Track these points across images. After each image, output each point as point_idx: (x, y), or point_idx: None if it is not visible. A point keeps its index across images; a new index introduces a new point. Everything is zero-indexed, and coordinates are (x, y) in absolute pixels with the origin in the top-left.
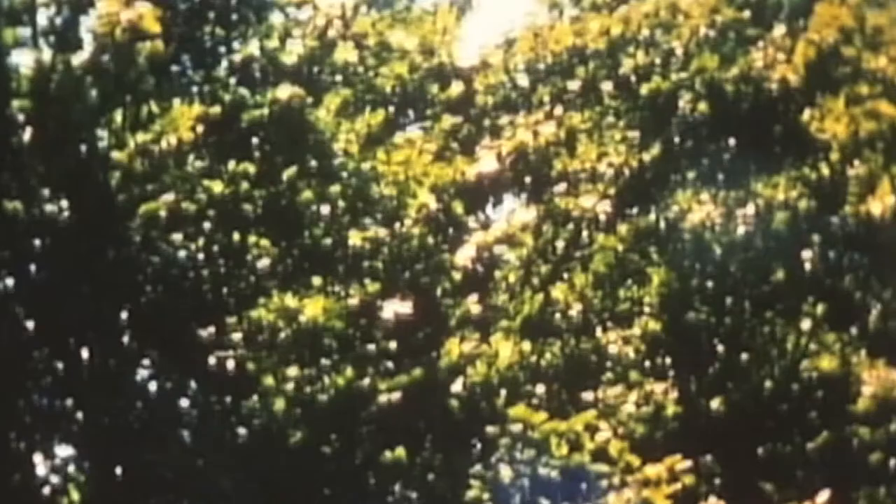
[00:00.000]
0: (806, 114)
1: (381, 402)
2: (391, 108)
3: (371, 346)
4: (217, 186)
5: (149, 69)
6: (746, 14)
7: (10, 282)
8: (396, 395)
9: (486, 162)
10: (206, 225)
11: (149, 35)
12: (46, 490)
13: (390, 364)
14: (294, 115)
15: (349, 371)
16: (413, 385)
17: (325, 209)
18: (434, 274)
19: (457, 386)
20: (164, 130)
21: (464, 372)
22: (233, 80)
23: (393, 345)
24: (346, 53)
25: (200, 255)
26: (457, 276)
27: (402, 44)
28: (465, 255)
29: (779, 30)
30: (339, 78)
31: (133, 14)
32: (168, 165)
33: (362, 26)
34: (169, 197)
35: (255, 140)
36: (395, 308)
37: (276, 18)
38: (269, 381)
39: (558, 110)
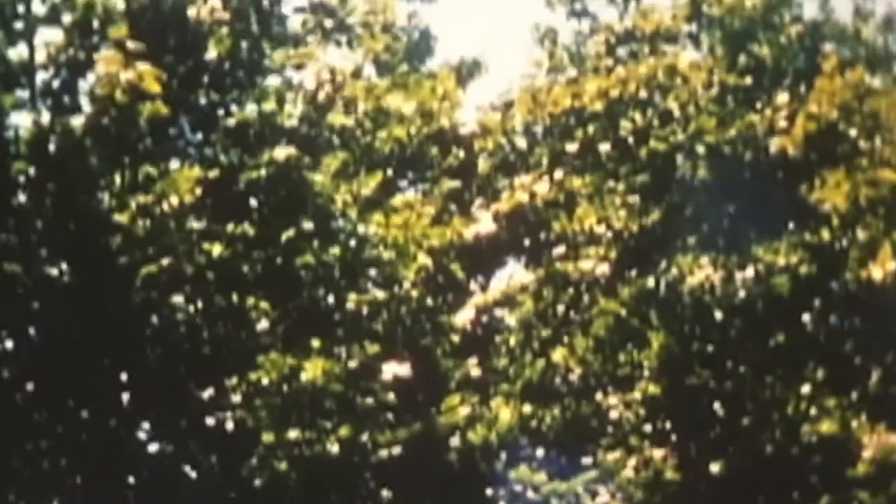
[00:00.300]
0: (806, 185)
1: (381, 456)
2: (390, 171)
3: (371, 400)
4: (216, 248)
5: (149, 131)
6: (747, 80)
7: (9, 343)
8: (397, 450)
9: (485, 223)
10: (206, 287)
11: (149, 95)
12: None
13: (390, 416)
14: (292, 177)
15: (348, 428)
16: (413, 439)
17: (324, 271)
18: (433, 335)
19: (456, 440)
20: (165, 192)
21: (464, 429)
22: (230, 143)
23: (392, 397)
24: (342, 117)
25: (199, 317)
26: (456, 337)
27: (400, 108)
28: (464, 317)
29: (780, 96)
30: (336, 140)
31: (133, 74)
32: (168, 227)
33: (359, 91)
34: (169, 259)
35: (253, 202)
36: (394, 370)
37: (272, 81)
38: (269, 440)
39: (557, 173)
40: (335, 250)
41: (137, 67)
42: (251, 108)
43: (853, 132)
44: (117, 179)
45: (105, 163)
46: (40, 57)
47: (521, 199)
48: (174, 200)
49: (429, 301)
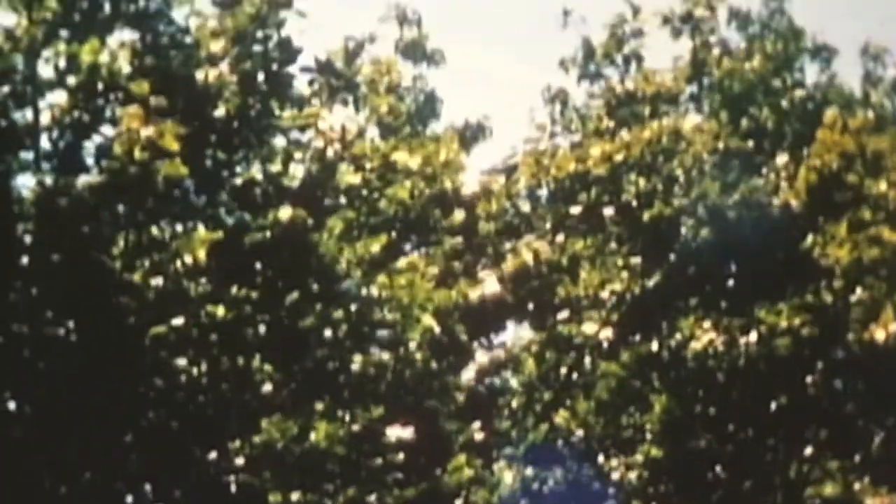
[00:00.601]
0: (809, 239)
1: None
2: (394, 233)
3: (378, 461)
4: (220, 310)
5: (166, 191)
6: (749, 143)
7: (14, 404)
8: None
9: (489, 285)
10: (211, 348)
11: (168, 153)
12: None
13: (397, 476)
14: (296, 239)
15: (354, 490)
16: (418, 500)
17: (329, 333)
18: (438, 397)
19: (460, 502)
20: (178, 253)
21: (468, 491)
22: (236, 204)
23: (399, 457)
24: (350, 175)
25: (204, 379)
26: (461, 397)
27: (406, 163)
28: (467, 378)
29: (781, 158)
30: (342, 199)
31: (154, 131)
32: (179, 288)
33: (367, 149)
34: (179, 321)
35: (258, 264)
36: (398, 433)
37: (279, 141)
38: (275, 502)
39: (560, 236)
40: (340, 312)
41: (157, 124)
42: (258, 169)
43: (855, 178)
44: (127, 239)
45: (115, 222)
46: (45, 119)
47: (525, 260)
48: (187, 260)
49: (433, 364)
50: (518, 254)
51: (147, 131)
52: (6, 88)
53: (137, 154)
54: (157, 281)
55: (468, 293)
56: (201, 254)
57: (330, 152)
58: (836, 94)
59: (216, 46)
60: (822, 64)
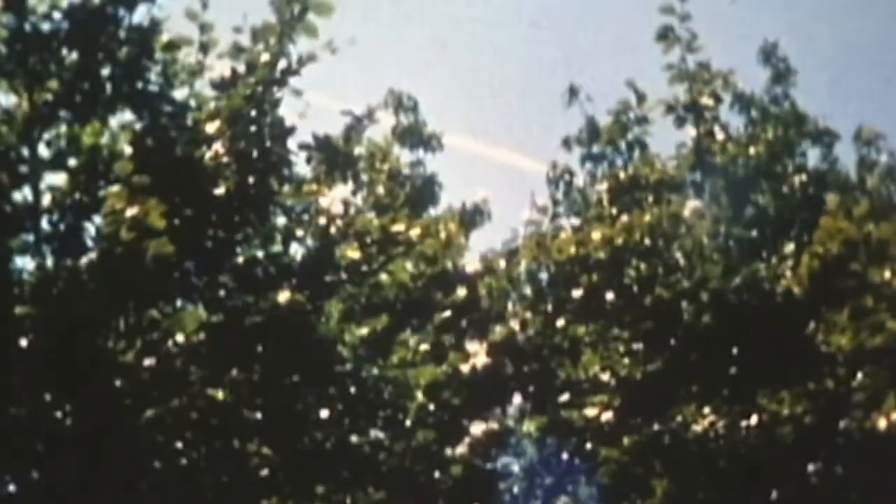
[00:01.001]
0: (811, 326)
1: None
2: (394, 314)
3: None
4: (219, 394)
5: (155, 271)
6: (751, 229)
7: (12, 487)
8: None
9: (480, 357)
10: (208, 432)
11: (155, 232)
12: None
13: None
14: (296, 321)
15: None
16: None
17: (328, 414)
18: (436, 473)
19: None
20: (170, 332)
21: None
22: (236, 285)
23: None
24: (349, 251)
25: (202, 462)
26: (457, 470)
27: (407, 236)
28: (462, 453)
29: (784, 244)
30: (343, 275)
31: (139, 210)
32: (174, 369)
33: (365, 223)
34: (176, 400)
35: (257, 346)
36: None
37: (278, 220)
38: None
39: (561, 320)
40: (339, 393)
41: (143, 203)
42: (258, 248)
43: (858, 266)
44: (122, 322)
45: (111, 304)
46: (45, 200)
47: (513, 329)
48: (180, 339)
49: (431, 436)
50: (506, 323)
51: (133, 210)
52: (6, 170)
53: (124, 234)
54: (153, 361)
55: (464, 368)
56: (197, 335)
57: (330, 228)
58: (836, 180)
59: (213, 127)
60: (824, 149)
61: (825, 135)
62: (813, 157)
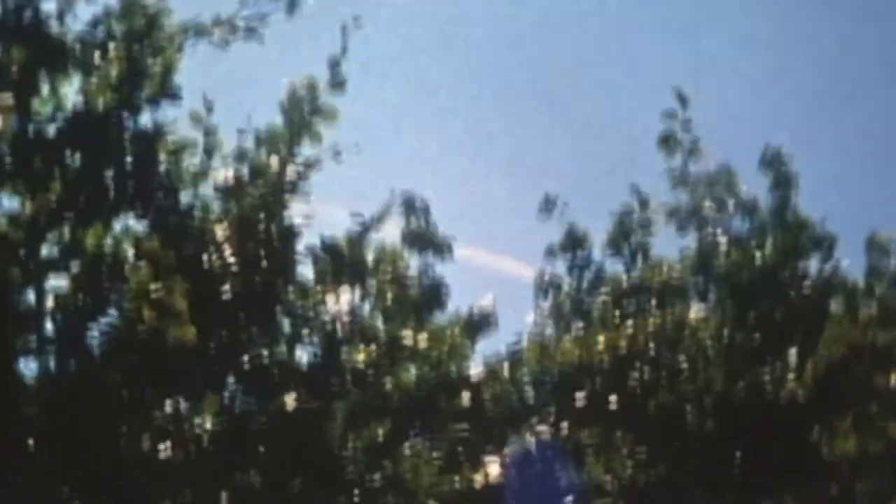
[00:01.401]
0: (814, 431)
1: None
2: (399, 418)
3: None
4: (223, 498)
5: (176, 358)
6: (756, 335)
7: None
8: None
9: (493, 469)
10: None
11: (177, 314)
12: None
13: None
14: (302, 425)
15: None
16: None
17: None
18: None
19: None
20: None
21: None
22: (241, 388)
23: None
24: (355, 355)
25: None
26: None
27: (413, 344)
28: None
29: (788, 349)
30: (348, 378)
31: (162, 290)
32: (188, 460)
33: (372, 329)
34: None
35: (261, 449)
36: None
37: (284, 322)
38: None
39: (564, 425)
40: (345, 499)
41: (168, 280)
42: (263, 351)
43: (863, 372)
44: (141, 413)
45: (120, 398)
46: (48, 302)
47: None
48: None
49: None
50: (522, 437)
51: (157, 287)
52: (10, 272)
53: (147, 313)
54: (163, 455)
55: (473, 478)
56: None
57: (337, 332)
58: (840, 285)
59: (221, 231)
60: (826, 253)
61: (826, 240)
62: (816, 259)
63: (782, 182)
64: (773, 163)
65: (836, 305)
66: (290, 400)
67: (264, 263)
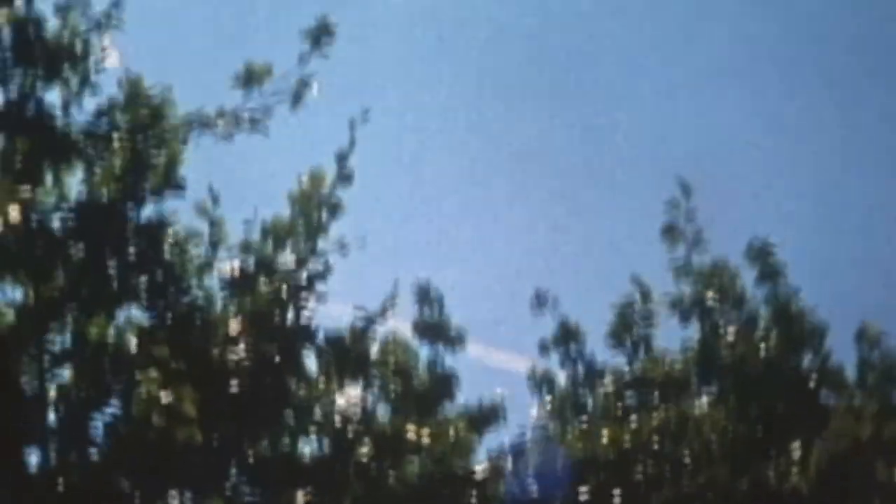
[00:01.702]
0: None
1: None
2: None
3: None
4: None
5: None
6: (758, 428)
7: None
8: None
9: None
10: None
11: (186, 419)
12: None
13: None
14: None
15: None
16: None
17: None
18: None
19: None
20: None
21: None
22: (245, 480)
23: None
24: (361, 450)
25: None
26: None
27: (417, 440)
28: None
29: (791, 442)
30: (352, 475)
31: (171, 396)
32: None
33: (378, 425)
34: None
35: None
36: None
37: (290, 417)
38: None
39: None
40: None
41: (178, 388)
42: (268, 446)
43: (866, 465)
44: None
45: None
46: (51, 393)
47: None
48: None
49: None
50: None
51: (166, 395)
52: (13, 363)
53: (156, 419)
54: None
55: None
56: None
57: (347, 431)
58: (835, 379)
59: (234, 326)
60: (818, 344)
61: (818, 331)
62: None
63: (767, 275)
64: (760, 255)
65: (832, 398)
66: (294, 494)
67: (276, 360)
